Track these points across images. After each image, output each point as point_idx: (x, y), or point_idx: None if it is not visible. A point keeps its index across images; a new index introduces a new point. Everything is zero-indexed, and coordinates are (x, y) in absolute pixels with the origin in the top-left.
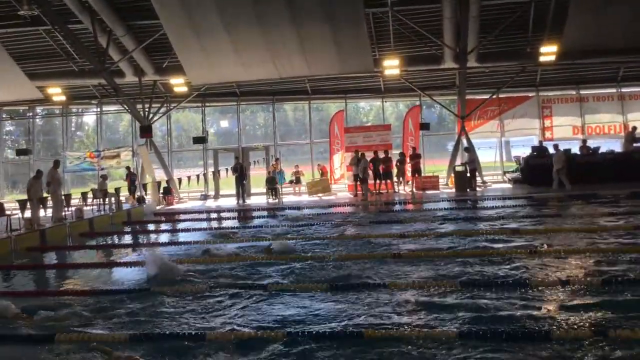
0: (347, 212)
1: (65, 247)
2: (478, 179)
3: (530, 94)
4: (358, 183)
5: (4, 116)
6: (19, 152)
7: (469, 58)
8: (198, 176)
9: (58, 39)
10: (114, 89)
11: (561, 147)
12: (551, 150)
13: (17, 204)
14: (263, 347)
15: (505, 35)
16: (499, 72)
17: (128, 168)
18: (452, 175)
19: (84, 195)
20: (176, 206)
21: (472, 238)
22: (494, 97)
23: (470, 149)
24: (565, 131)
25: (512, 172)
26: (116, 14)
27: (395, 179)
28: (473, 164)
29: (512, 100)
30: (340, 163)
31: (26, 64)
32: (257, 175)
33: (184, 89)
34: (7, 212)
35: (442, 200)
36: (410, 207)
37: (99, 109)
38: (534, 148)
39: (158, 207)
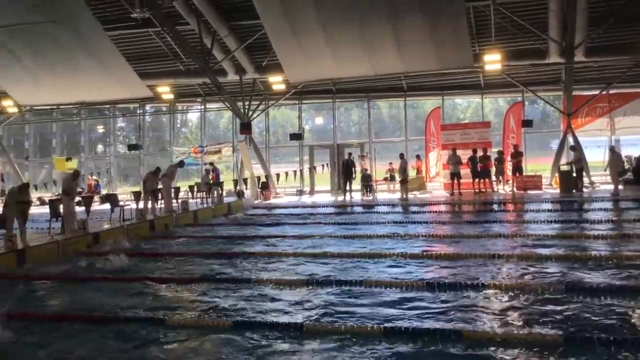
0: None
1: (171, 236)
2: (585, 179)
3: None
4: (455, 181)
5: (116, 113)
6: (130, 147)
7: (576, 52)
8: (295, 172)
9: (167, 40)
10: (217, 87)
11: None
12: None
13: (130, 196)
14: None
15: (615, 27)
16: (609, 66)
17: (212, 164)
18: (557, 175)
19: (191, 189)
20: (273, 201)
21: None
22: (604, 93)
23: (576, 148)
24: None
25: (623, 172)
26: (220, 16)
27: (494, 178)
28: (580, 163)
29: (623, 96)
30: (436, 161)
31: (137, 63)
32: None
33: (282, 87)
34: (121, 203)
35: (545, 202)
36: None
37: (202, 107)
38: None
39: (256, 202)
